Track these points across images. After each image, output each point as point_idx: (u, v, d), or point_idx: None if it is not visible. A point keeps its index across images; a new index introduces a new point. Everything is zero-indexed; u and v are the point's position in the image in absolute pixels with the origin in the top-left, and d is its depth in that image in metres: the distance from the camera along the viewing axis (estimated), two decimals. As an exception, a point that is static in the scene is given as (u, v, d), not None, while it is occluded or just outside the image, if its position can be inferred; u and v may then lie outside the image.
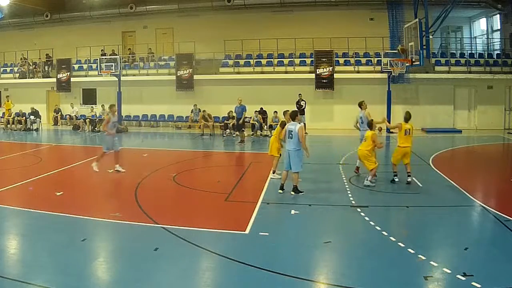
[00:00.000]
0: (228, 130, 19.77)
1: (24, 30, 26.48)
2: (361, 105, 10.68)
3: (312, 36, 21.70)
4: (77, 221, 7.00)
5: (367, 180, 9.30)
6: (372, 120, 9.64)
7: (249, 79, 21.87)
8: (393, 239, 6.13)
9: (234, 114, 18.20)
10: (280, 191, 8.76)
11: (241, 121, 17.16)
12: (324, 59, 21.14)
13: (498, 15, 22.08)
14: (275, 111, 20.03)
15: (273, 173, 10.15)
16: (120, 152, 11.44)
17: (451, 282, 4.84)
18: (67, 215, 7.27)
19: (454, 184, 9.50)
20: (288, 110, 9.25)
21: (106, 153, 11.07)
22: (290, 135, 8.52)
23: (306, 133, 19.30)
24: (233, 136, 18.72)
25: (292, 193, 8.61)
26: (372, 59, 21.67)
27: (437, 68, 20.97)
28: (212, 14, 23.57)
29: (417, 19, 15.58)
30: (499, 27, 22.25)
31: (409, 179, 9.48)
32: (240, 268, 5.28)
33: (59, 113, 24.54)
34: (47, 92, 25.54)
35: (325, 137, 18.78)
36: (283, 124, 9.70)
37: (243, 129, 17.13)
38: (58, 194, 8.73)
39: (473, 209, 7.89)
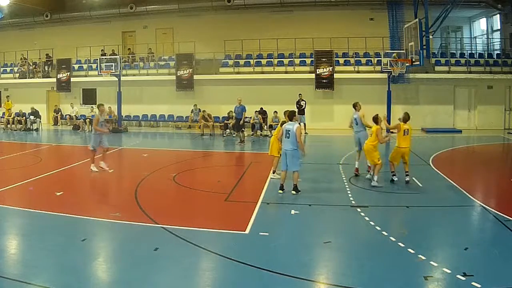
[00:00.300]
0: (228, 130, 19.77)
1: (24, 30, 26.48)
2: (355, 106, 10.62)
3: (312, 36, 21.71)
4: (77, 221, 7.00)
5: (374, 181, 9.27)
6: (377, 114, 9.63)
7: (249, 79, 21.87)
8: (393, 239, 6.13)
9: (234, 114, 18.20)
10: (280, 191, 8.76)
11: (241, 121, 17.15)
12: (324, 59, 21.14)
13: (498, 15, 22.08)
14: (275, 111, 20.05)
15: (273, 173, 10.15)
16: (108, 151, 11.46)
17: (451, 282, 4.84)
18: (67, 215, 7.26)
19: (454, 184, 9.50)
20: (288, 110, 9.30)
21: (94, 151, 11.12)
22: (287, 135, 8.52)
23: (306, 133, 19.58)
24: (233, 136, 18.72)
25: (293, 192, 8.62)
26: (372, 59, 21.67)
27: (437, 68, 20.97)
28: (212, 14, 23.57)
29: (417, 19, 15.60)
30: (499, 27, 22.25)
31: (407, 179, 9.47)
32: (240, 268, 5.28)
33: (59, 113, 24.54)
34: (47, 92, 25.54)
35: (325, 137, 18.77)
36: (283, 124, 9.78)
37: (243, 129, 17.13)
38: (58, 194, 8.72)
39: (473, 209, 7.89)
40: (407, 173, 9.51)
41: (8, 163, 12.53)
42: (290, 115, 8.77)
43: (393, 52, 20.17)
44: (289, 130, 8.50)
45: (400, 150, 9.45)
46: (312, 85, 21.27)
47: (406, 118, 9.58)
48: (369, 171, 10.27)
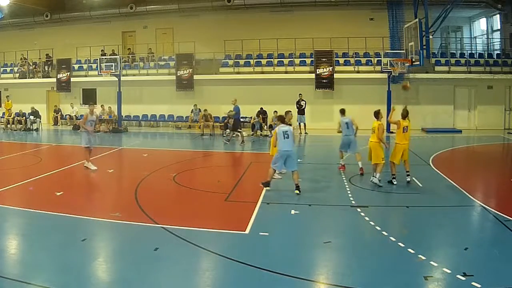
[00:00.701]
0: (228, 130, 19.78)
1: (24, 30, 26.47)
2: (344, 111, 11.10)
3: (312, 36, 21.70)
4: (77, 221, 7.00)
5: (375, 177, 9.24)
6: (379, 110, 9.62)
7: (249, 79, 21.87)
8: (393, 239, 6.13)
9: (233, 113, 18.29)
10: (268, 188, 8.85)
11: (228, 120, 17.25)
12: (324, 59, 21.14)
13: (498, 15, 22.08)
14: (275, 111, 19.97)
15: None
16: (92, 150, 11.57)
17: (451, 282, 4.84)
18: (67, 215, 7.26)
19: (454, 184, 9.49)
20: (290, 111, 9.64)
21: (88, 149, 11.24)
22: (286, 135, 8.67)
23: (306, 133, 19.60)
24: (233, 136, 18.72)
25: (297, 192, 8.65)
26: (372, 59, 21.66)
27: (437, 68, 20.96)
28: (212, 14, 23.57)
29: (417, 19, 15.59)
30: (499, 27, 22.25)
31: (409, 179, 9.44)
32: (240, 268, 5.28)
33: (59, 113, 24.54)
34: (47, 92, 25.52)
35: (325, 137, 18.75)
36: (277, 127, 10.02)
37: (239, 129, 17.29)
38: (58, 194, 8.73)
39: (473, 209, 7.89)
40: (408, 173, 9.49)
41: (8, 163, 12.53)
42: (281, 118, 9.07)
43: (393, 52, 20.20)
44: (287, 131, 8.69)
45: (401, 147, 9.37)
46: (312, 85, 21.26)
47: (404, 114, 9.51)
48: (361, 174, 10.29)
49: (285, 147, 8.68)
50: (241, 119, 20.53)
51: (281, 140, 8.69)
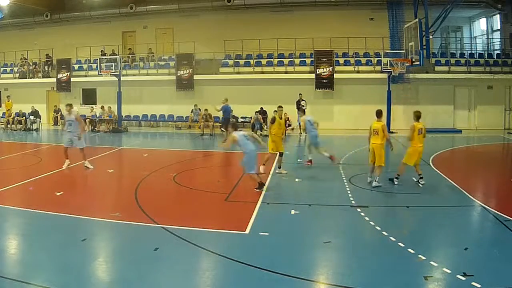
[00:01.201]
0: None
1: (24, 30, 26.47)
2: (304, 111, 11.86)
3: (312, 36, 21.70)
4: (77, 221, 7.00)
5: (375, 181, 9.21)
6: (381, 110, 9.55)
7: (249, 79, 21.88)
8: (393, 239, 6.13)
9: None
10: (264, 188, 8.91)
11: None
12: (324, 59, 21.14)
13: (498, 15, 22.08)
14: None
15: (279, 168, 10.50)
16: (85, 150, 11.60)
17: (451, 282, 4.84)
18: (67, 215, 7.26)
19: (454, 184, 9.50)
20: (282, 106, 10.64)
21: (67, 149, 11.44)
22: (247, 138, 9.03)
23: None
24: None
25: (260, 189, 8.82)
26: (372, 59, 21.66)
27: (437, 68, 20.97)
28: (212, 14, 23.58)
29: (417, 19, 15.61)
30: (499, 27, 22.26)
31: (423, 182, 9.37)
32: (240, 268, 5.28)
33: (59, 113, 24.50)
34: (47, 92, 25.52)
35: (325, 137, 18.71)
36: (273, 120, 10.18)
37: (223, 129, 17.52)
38: (58, 194, 8.73)
39: (473, 209, 7.89)
40: (420, 175, 9.42)
41: (8, 163, 12.53)
42: (235, 126, 9.65)
43: (393, 52, 20.20)
44: (245, 134, 9.09)
45: (417, 150, 9.31)
46: (312, 85, 21.26)
47: (419, 116, 9.42)
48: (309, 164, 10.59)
49: (253, 147, 8.91)
50: (242, 119, 20.64)
51: (246, 143, 8.88)
